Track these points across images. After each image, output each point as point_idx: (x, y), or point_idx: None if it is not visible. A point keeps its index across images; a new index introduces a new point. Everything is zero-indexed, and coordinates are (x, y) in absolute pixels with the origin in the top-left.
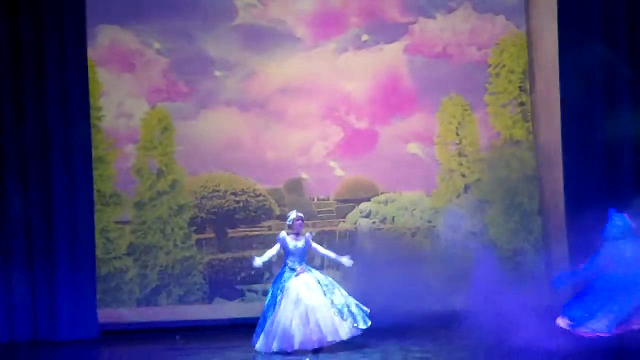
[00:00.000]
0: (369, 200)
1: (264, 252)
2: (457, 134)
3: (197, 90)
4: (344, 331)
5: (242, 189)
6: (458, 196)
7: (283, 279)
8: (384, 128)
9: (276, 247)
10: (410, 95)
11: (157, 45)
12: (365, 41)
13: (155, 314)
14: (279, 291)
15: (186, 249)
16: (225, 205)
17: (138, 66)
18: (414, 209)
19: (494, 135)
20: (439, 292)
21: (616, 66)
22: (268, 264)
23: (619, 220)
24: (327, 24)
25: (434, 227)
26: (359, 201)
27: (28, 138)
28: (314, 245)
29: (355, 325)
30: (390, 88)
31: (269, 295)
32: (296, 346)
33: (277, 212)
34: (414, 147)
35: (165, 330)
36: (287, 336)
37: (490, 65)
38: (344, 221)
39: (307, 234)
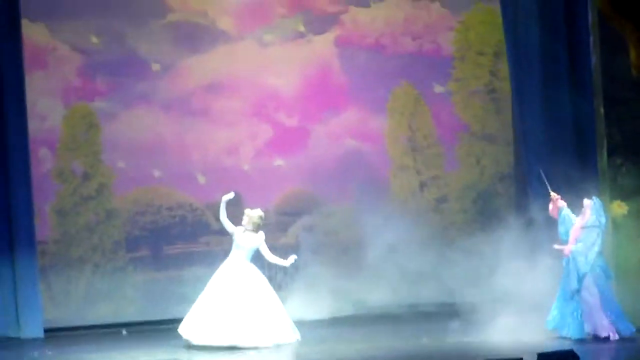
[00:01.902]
0: (310, 213)
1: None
2: (410, 127)
3: (116, 89)
4: (286, 336)
5: (177, 203)
6: (413, 194)
7: (223, 268)
8: (317, 126)
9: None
10: (344, 89)
11: (71, 41)
12: (295, 32)
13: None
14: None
15: (118, 260)
16: (160, 221)
17: (50, 64)
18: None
19: (462, 127)
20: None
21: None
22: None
23: (600, 208)
24: (253, 14)
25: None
26: (300, 214)
27: None
28: (263, 248)
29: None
30: (322, 82)
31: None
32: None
33: (215, 226)
34: (354, 144)
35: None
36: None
37: (454, 47)
38: (285, 236)
39: (261, 234)
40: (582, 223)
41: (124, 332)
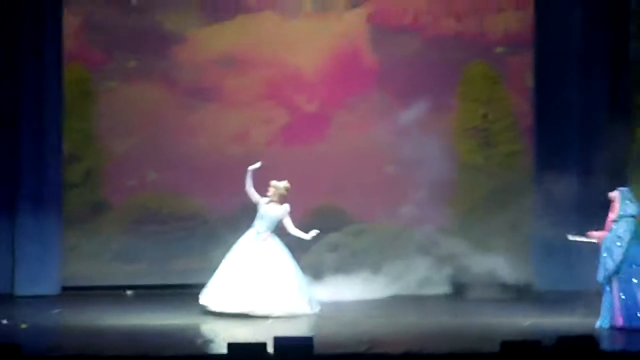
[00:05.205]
0: (337, 230)
1: None
2: (486, 117)
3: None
4: (299, 307)
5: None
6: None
7: (245, 237)
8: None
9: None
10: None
11: None
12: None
13: None
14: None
15: None
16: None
17: None
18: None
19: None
20: None
21: None
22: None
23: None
24: None
25: None
26: (325, 231)
27: None
28: (286, 220)
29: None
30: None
31: None
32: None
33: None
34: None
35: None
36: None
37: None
38: (306, 255)
39: (286, 206)
40: (612, 217)
41: (129, 292)
